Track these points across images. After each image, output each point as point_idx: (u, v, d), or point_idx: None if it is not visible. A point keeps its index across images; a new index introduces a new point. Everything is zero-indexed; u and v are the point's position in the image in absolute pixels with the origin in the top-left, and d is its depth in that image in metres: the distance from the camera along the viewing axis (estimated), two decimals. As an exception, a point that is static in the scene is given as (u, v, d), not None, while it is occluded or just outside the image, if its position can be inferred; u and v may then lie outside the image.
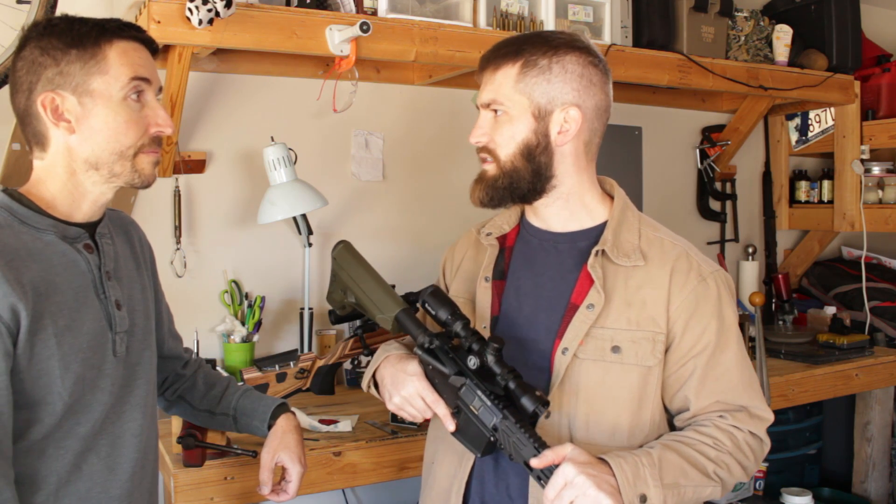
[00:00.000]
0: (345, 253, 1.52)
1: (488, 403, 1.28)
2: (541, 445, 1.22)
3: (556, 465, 1.19)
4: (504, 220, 1.47)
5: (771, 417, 1.35)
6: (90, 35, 1.19)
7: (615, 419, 1.31)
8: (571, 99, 1.32)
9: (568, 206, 1.39)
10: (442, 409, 1.33)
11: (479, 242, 1.49)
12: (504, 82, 1.32)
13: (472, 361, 1.29)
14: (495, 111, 1.34)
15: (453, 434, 1.33)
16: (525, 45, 1.33)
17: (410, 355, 1.42)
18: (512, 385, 1.25)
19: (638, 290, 1.33)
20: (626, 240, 1.36)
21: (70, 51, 1.18)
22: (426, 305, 1.34)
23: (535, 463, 1.21)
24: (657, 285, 1.33)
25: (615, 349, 1.31)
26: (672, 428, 1.39)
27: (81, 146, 1.20)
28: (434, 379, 1.35)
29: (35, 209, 1.20)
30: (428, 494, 1.47)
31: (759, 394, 1.35)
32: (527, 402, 1.23)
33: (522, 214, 1.47)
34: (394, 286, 1.52)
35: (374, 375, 1.47)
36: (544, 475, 1.21)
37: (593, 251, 1.34)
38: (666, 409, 1.38)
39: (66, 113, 1.19)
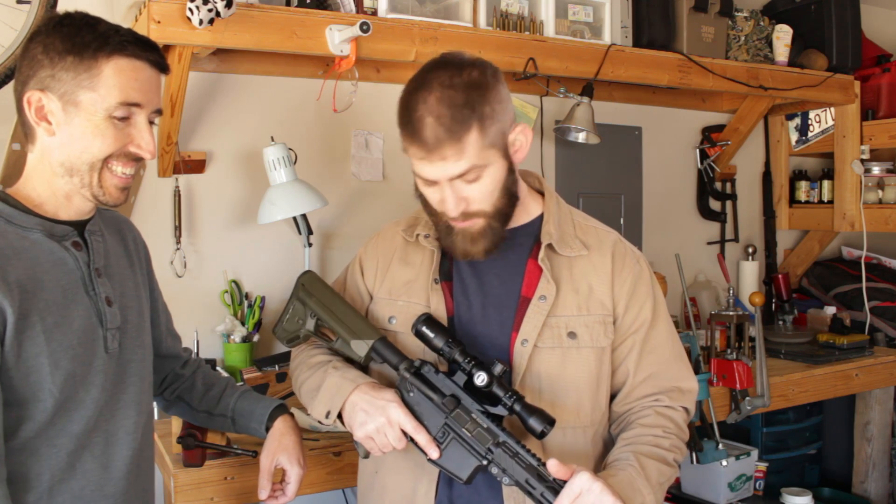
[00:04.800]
0: (314, 280, 1.52)
1: (485, 425, 1.30)
2: (543, 463, 1.26)
3: (560, 481, 1.23)
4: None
5: (696, 387, 1.47)
6: (90, 46, 1.16)
7: (578, 400, 1.38)
8: (511, 117, 1.34)
9: None
10: (423, 438, 1.31)
11: (408, 244, 1.49)
12: (471, 147, 1.26)
13: (481, 378, 1.29)
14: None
15: (434, 462, 1.31)
16: (468, 98, 1.25)
17: (382, 385, 1.39)
18: (518, 407, 1.28)
19: (583, 276, 1.41)
20: (565, 231, 1.42)
21: (66, 57, 1.16)
22: (423, 332, 1.34)
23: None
24: (601, 271, 1.41)
25: (571, 335, 1.37)
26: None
27: (58, 150, 1.20)
28: (413, 406, 1.33)
29: (21, 208, 1.20)
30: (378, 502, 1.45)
31: (686, 364, 1.48)
32: (535, 423, 1.27)
33: None
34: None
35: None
36: (549, 490, 1.24)
37: (543, 244, 1.39)
38: None
39: (49, 115, 1.19)
